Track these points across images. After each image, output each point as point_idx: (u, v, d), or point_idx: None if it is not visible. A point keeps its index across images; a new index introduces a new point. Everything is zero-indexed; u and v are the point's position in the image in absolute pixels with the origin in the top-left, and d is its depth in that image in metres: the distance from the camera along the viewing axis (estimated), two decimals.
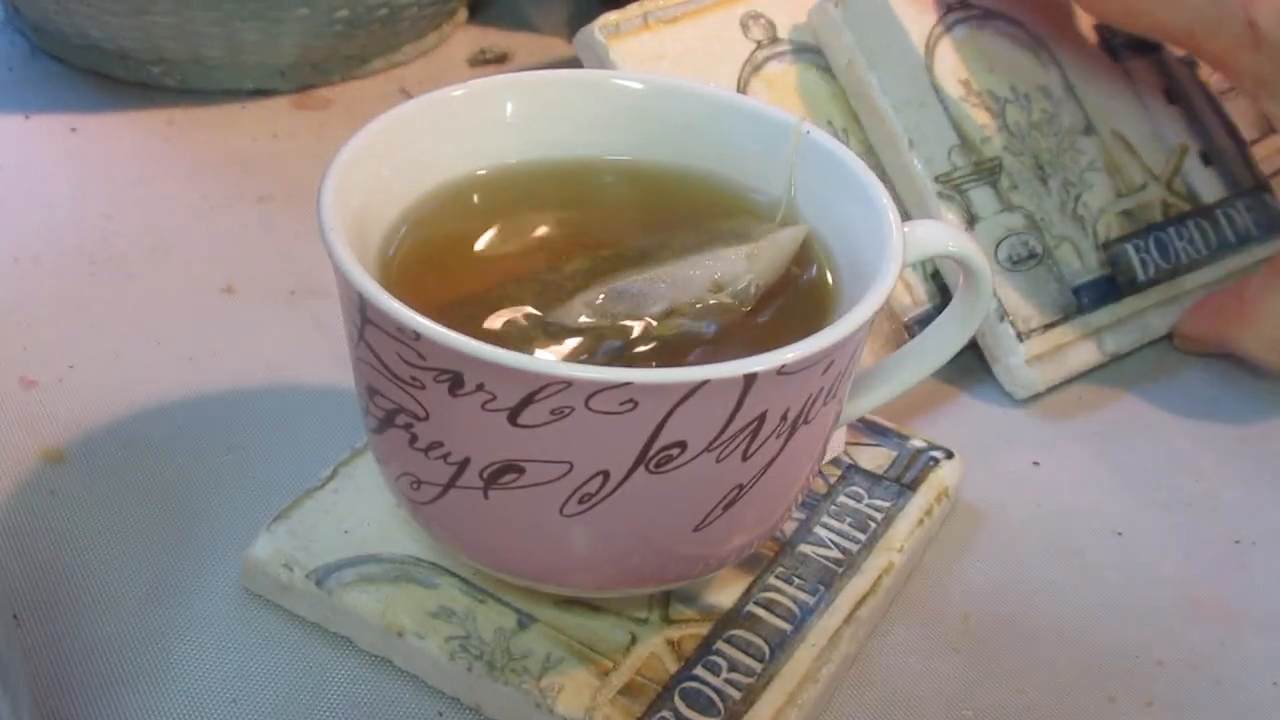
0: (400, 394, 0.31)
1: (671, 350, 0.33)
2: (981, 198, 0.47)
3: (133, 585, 0.38)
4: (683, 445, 0.30)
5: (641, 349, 0.33)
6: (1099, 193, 0.48)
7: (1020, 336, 0.46)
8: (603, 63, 0.47)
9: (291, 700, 0.35)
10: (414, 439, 0.32)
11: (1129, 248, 0.48)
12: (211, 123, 0.58)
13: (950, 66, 0.47)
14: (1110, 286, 0.48)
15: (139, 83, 0.60)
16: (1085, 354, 0.47)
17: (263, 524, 0.38)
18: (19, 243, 0.50)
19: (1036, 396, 0.47)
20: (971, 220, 0.46)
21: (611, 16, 0.47)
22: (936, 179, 0.46)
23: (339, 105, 0.60)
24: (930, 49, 0.47)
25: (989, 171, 0.47)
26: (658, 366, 0.32)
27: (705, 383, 0.29)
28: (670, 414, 0.29)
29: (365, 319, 0.31)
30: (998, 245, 0.46)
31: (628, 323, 0.33)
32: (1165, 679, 0.38)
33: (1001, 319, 0.46)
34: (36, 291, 0.48)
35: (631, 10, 0.48)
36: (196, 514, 0.40)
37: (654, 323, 0.33)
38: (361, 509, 0.38)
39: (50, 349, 0.46)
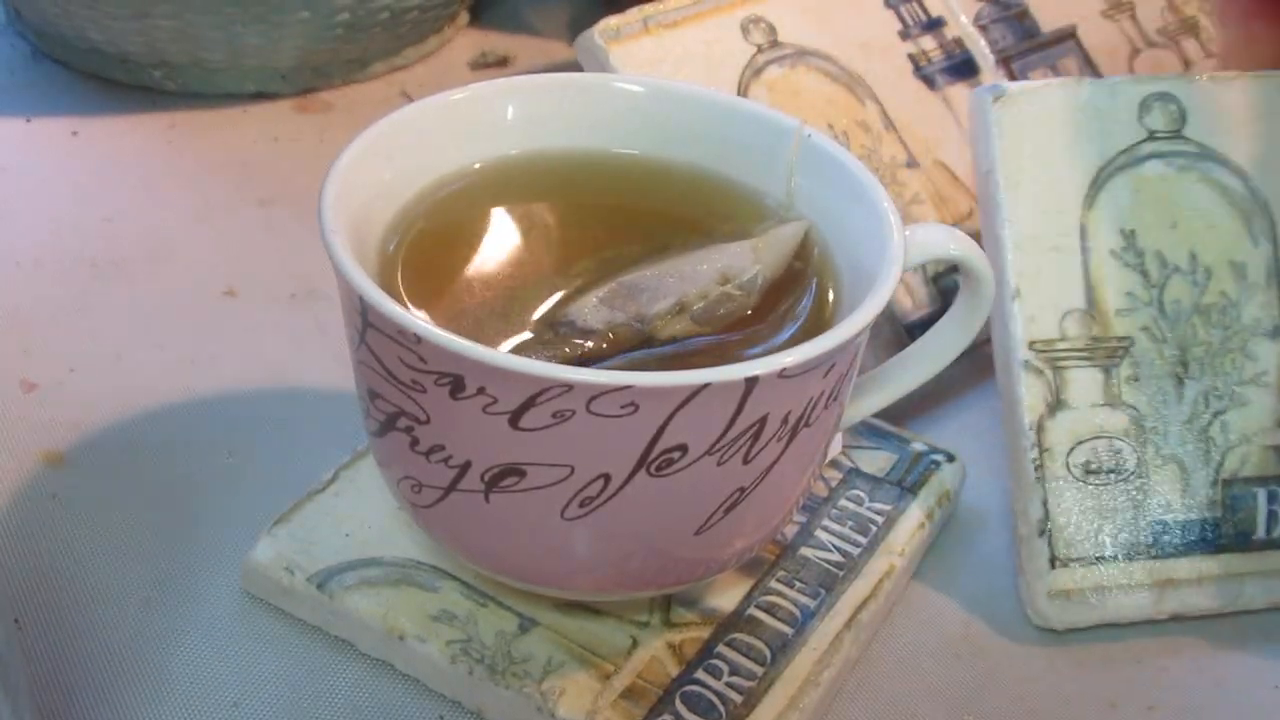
0: (401, 397, 0.31)
1: (675, 353, 0.33)
2: (1082, 383, 0.38)
3: (134, 588, 0.38)
4: (684, 448, 0.30)
5: (645, 352, 0.33)
6: (1252, 416, 0.38)
7: (1054, 562, 0.38)
8: (603, 67, 0.47)
9: (292, 704, 0.35)
10: (415, 442, 0.32)
11: (1260, 493, 0.38)
12: (213, 126, 0.58)
13: (1116, 210, 0.39)
14: (1211, 534, 0.38)
15: (140, 86, 0.60)
16: (1135, 605, 0.38)
17: (264, 527, 0.38)
18: (20, 246, 0.50)
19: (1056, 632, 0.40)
20: (1054, 406, 0.38)
21: (612, 21, 0.47)
22: (1032, 345, 0.38)
23: (340, 108, 0.60)
24: (1097, 184, 0.39)
25: (1108, 353, 0.38)
26: (659, 370, 0.32)
27: (706, 386, 0.29)
28: (671, 417, 0.29)
29: (366, 322, 0.31)
30: (1075, 446, 0.38)
31: (635, 324, 0.33)
32: (1167, 683, 0.38)
33: (1042, 532, 0.38)
34: (38, 295, 0.48)
35: (632, 14, 0.48)
36: (197, 517, 0.40)
37: (661, 323, 0.33)
38: (363, 512, 0.38)
39: (51, 352, 0.46)
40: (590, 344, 0.33)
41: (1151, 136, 0.39)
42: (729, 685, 0.35)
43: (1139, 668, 0.38)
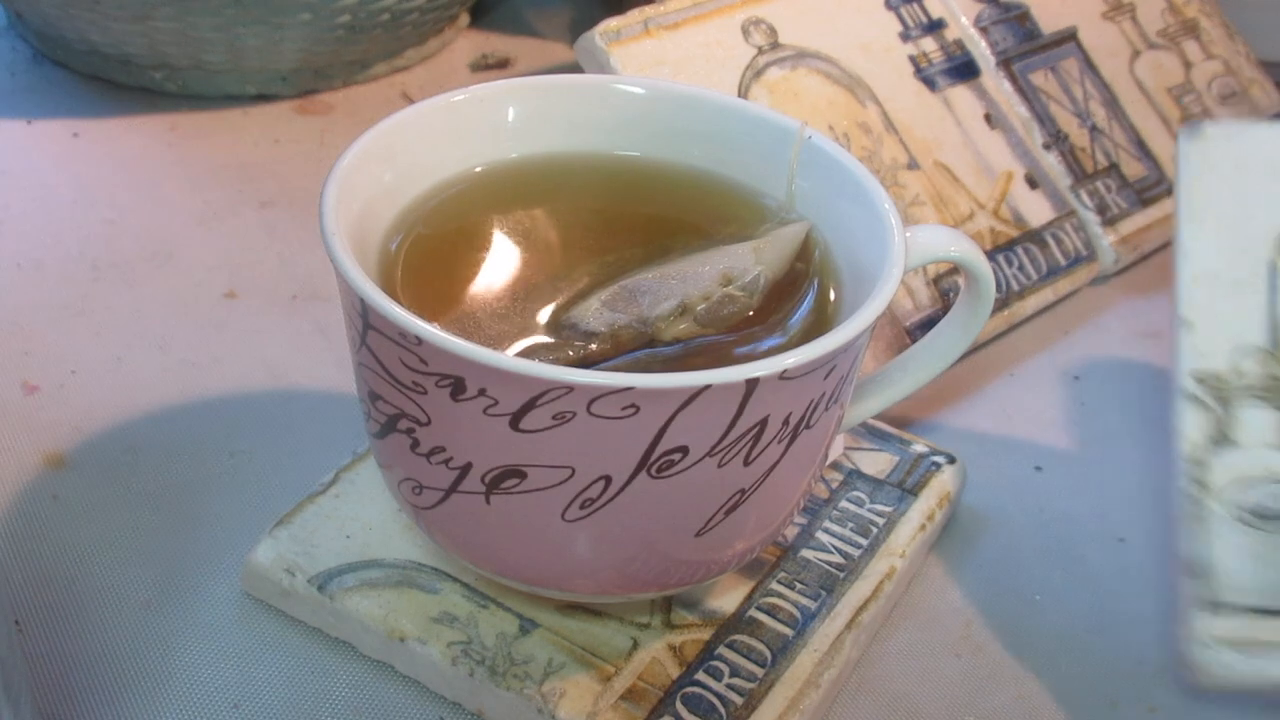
0: (402, 399, 0.31)
1: (678, 354, 0.33)
2: (1254, 422, 0.36)
3: (134, 590, 0.38)
4: (684, 450, 0.30)
5: (649, 352, 0.33)
6: None
7: (1217, 607, 0.34)
8: (604, 68, 0.47)
9: (293, 705, 0.35)
10: (416, 444, 0.32)
11: None
12: (213, 128, 0.58)
13: None
14: None
15: (141, 88, 0.60)
16: None
17: (264, 529, 0.38)
18: (21, 248, 0.50)
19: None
20: (1218, 438, 0.36)
21: (613, 22, 0.47)
22: (1197, 377, 0.36)
23: (341, 110, 0.60)
24: None
25: None
26: (662, 371, 0.32)
27: (707, 388, 0.29)
28: (672, 419, 0.29)
29: (367, 324, 0.31)
30: (1250, 487, 0.35)
31: (638, 326, 0.33)
32: (1167, 685, 0.38)
33: (1197, 574, 0.34)
34: (39, 297, 0.48)
35: (633, 16, 0.48)
36: (198, 519, 0.40)
37: (664, 325, 0.33)
38: (363, 514, 0.38)
39: (52, 354, 0.46)
40: (594, 346, 0.33)
41: None
42: (730, 687, 0.35)
43: (1139, 668, 0.38)
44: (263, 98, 0.60)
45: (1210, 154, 0.40)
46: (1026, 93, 0.53)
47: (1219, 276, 0.38)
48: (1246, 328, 0.37)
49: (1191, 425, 0.36)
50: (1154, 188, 0.55)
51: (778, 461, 0.32)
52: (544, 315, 0.34)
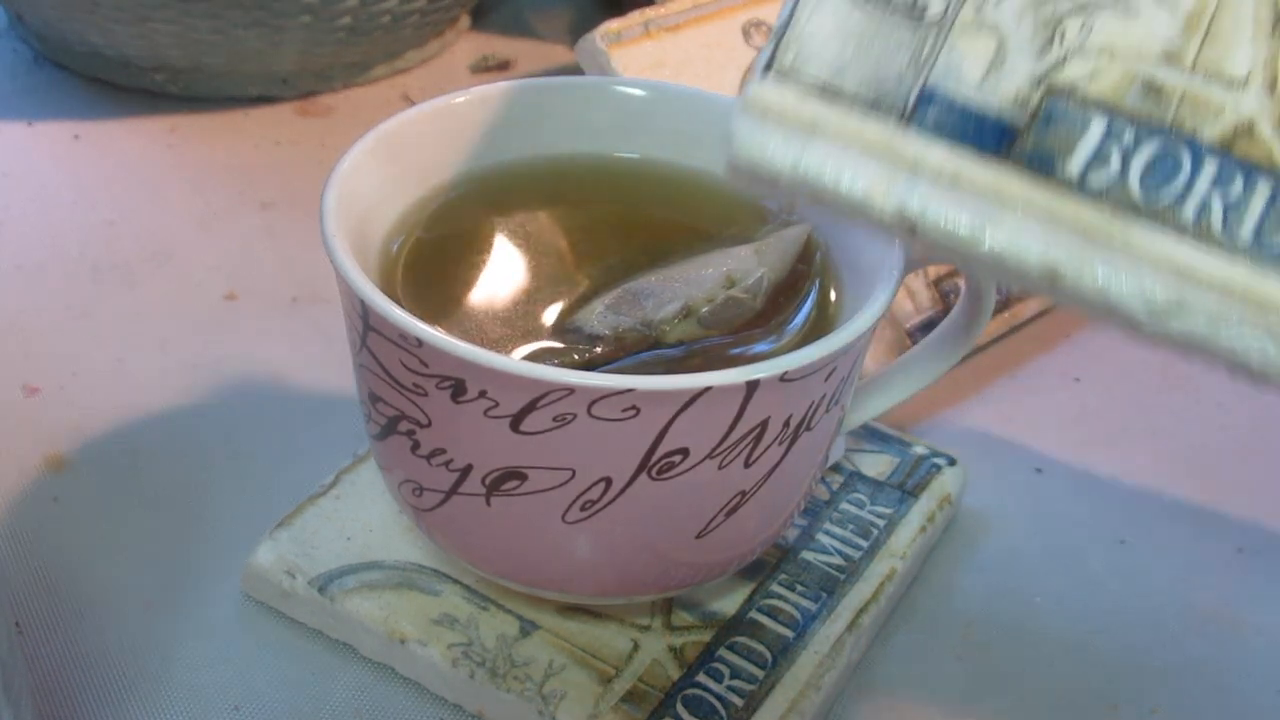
0: (402, 401, 0.31)
1: (681, 356, 0.33)
2: None
3: (135, 592, 0.38)
4: (685, 452, 0.30)
5: (653, 353, 0.33)
6: (1134, 31, 0.29)
7: (772, 68, 0.29)
8: (604, 70, 0.47)
9: (293, 707, 0.35)
10: (416, 446, 0.32)
11: (1098, 121, 0.28)
12: (214, 130, 0.58)
13: None
14: (997, 135, 0.28)
15: (142, 90, 0.60)
16: (856, 172, 0.28)
17: (265, 531, 0.38)
18: (22, 250, 0.50)
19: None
20: None
21: (613, 24, 0.47)
22: None
23: (341, 112, 0.60)
24: None
25: None
26: (666, 373, 0.32)
27: (707, 389, 0.29)
28: (672, 421, 0.29)
29: (368, 325, 0.31)
30: None
31: (642, 329, 0.33)
32: (1168, 687, 0.38)
33: (774, 35, 0.29)
34: (39, 299, 0.48)
35: (633, 18, 0.48)
36: (198, 521, 0.40)
37: (668, 327, 0.33)
38: (364, 516, 0.38)
39: (53, 356, 0.46)
40: (599, 349, 0.33)
41: None
42: (730, 689, 0.35)
43: (1140, 670, 0.38)
44: (263, 99, 0.60)
45: None
46: None
47: None
48: None
49: None
50: None
51: (778, 463, 0.32)
52: (547, 318, 0.34)
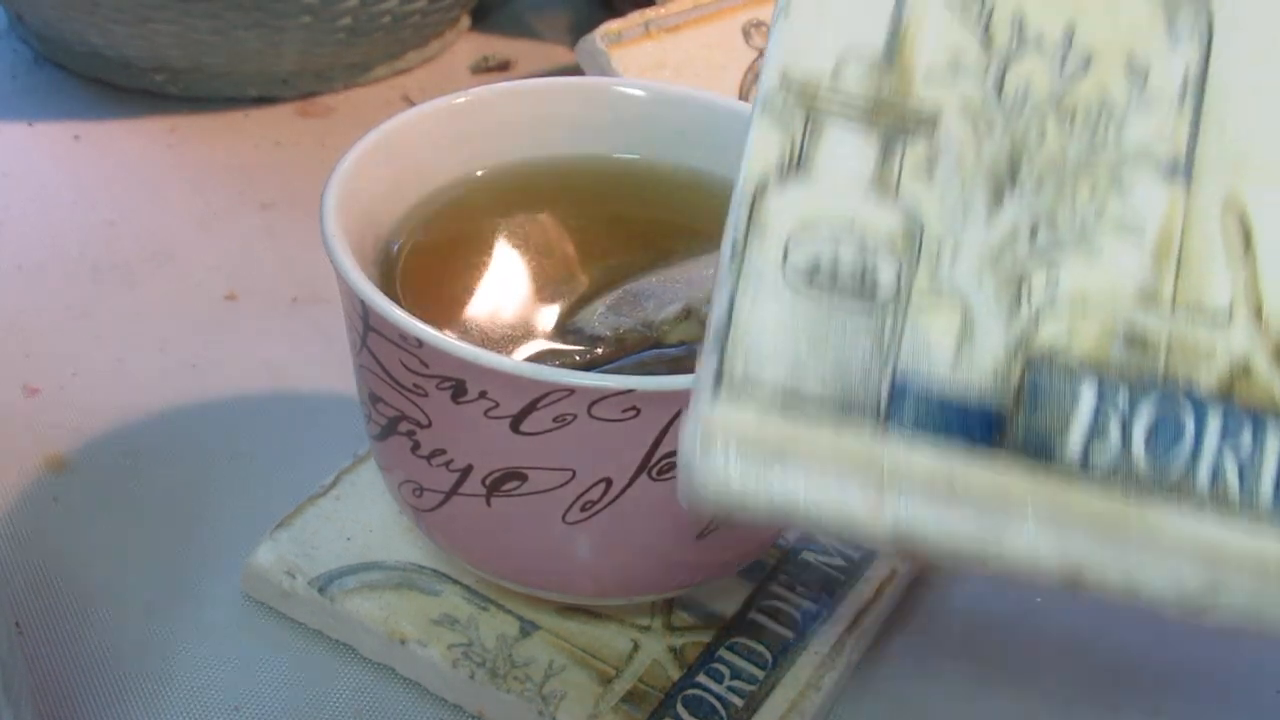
0: (403, 401, 0.31)
1: (683, 356, 0.33)
2: (843, 150, 0.26)
3: (135, 593, 0.38)
4: None
5: (654, 352, 0.33)
6: (1103, 275, 0.25)
7: (721, 383, 0.24)
8: (604, 71, 0.47)
9: (293, 708, 0.35)
10: (416, 446, 0.32)
11: (1087, 389, 0.25)
12: (214, 130, 0.58)
13: None
14: (985, 425, 0.24)
15: (142, 90, 0.60)
16: (832, 497, 0.24)
17: (265, 531, 0.38)
18: (22, 250, 0.50)
19: None
20: (788, 168, 0.26)
21: (613, 25, 0.47)
22: (784, 76, 0.26)
23: (342, 113, 0.60)
24: None
25: (897, 121, 0.26)
26: (668, 373, 0.32)
27: None
28: (673, 421, 0.29)
29: (368, 326, 0.31)
30: (801, 235, 0.25)
31: (643, 330, 0.33)
32: (1170, 689, 0.38)
33: (718, 342, 0.24)
34: (39, 299, 0.48)
35: (633, 19, 0.48)
36: (199, 521, 0.40)
37: (669, 328, 0.33)
38: (364, 516, 0.38)
39: (53, 356, 0.46)
40: (599, 350, 0.33)
41: None
42: (730, 689, 0.35)
43: (1141, 672, 0.38)
44: (263, 100, 0.60)
45: None
46: None
47: None
48: (861, 24, 0.27)
49: (762, 144, 0.26)
50: None
51: None
52: (547, 319, 0.34)
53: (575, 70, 0.48)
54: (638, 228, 0.37)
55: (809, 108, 0.26)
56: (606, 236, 0.37)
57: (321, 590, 0.36)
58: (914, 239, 0.25)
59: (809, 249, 0.25)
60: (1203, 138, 0.26)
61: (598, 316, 0.33)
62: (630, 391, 0.29)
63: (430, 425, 0.31)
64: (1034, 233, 0.26)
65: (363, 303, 0.30)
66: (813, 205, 0.25)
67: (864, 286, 0.25)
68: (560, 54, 0.65)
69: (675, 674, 0.35)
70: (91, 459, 0.42)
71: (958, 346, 0.25)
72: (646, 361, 0.33)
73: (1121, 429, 0.24)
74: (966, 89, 0.26)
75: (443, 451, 0.31)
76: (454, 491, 0.32)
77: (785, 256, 0.25)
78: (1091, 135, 0.26)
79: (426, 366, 0.30)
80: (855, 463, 0.24)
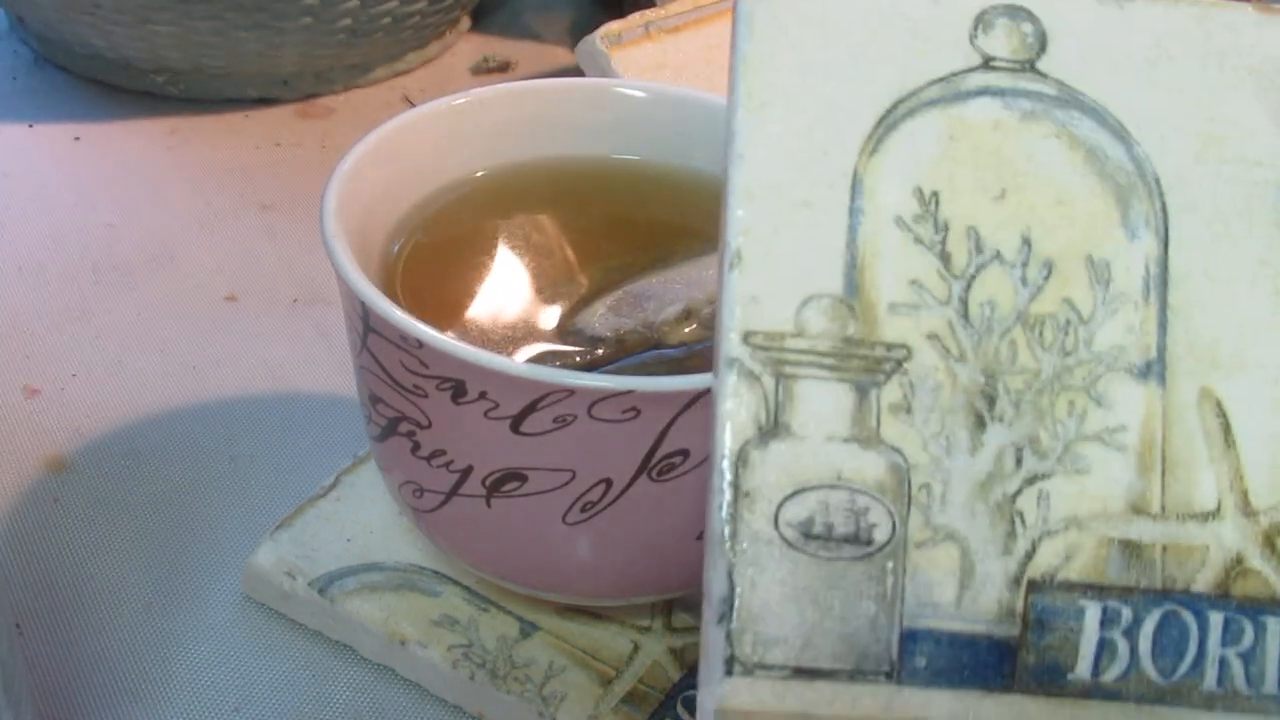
0: (403, 402, 0.31)
1: (683, 357, 0.33)
2: (818, 403, 0.25)
3: (135, 593, 0.38)
4: (685, 453, 0.30)
5: (655, 353, 0.33)
6: (1091, 491, 0.25)
7: (733, 665, 0.24)
8: (604, 72, 0.47)
9: (294, 709, 0.35)
10: (416, 447, 0.32)
11: (1091, 609, 0.25)
12: (214, 131, 0.58)
13: (913, 161, 0.26)
14: (998, 661, 0.24)
15: (142, 92, 0.60)
16: None
17: (265, 532, 0.38)
18: (22, 251, 0.50)
19: None
20: (769, 431, 0.25)
21: (613, 26, 0.47)
22: (749, 337, 0.25)
23: (342, 114, 0.60)
24: (890, 121, 0.27)
25: (869, 365, 0.25)
26: (668, 374, 0.32)
27: (708, 391, 0.29)
28: (673, 422, 0.29)
29: (368, 327, 0.31)
30: (793, 495, 0.25)
31: (644, 331, 0.33)
32: None
33: (720, 618, 0.24)
34: (40, 300, 0.48)
35: (633, 20, 0.48)
36: (199, 522, 0.40)
37: (669, 328, 0.33)
38: (364, 517, 0.38)
39: (53, 357, 0.46)
40: (600, 351, 0.33)
41: (987, 64, 0.27)
42: None
43: None
44: (263, 101, 0.60)
45: (783, 14, 0.27)
46: None
47: (784, 190, 0.26)
48: (816, 265, 0.26)
49: (735, 407, 0.25)
50: None
51: None
52: (548, 320, 0.34)
53: (575, 71, 0.48)
54: (638, 228, 0.37)
55: (777, 368, 0.25)
56: (607, 237, 0.37)
57: (321, 591, 0.36)
58: (902, 482, 0.25)
59: (800, 509, 0.25)
60: (1171, 332, 0.26)
61: (598, 317, 0.33)
62: (630, 392, 0.29)
63: (430, 426, 0.31)
64: (1019, 458, 0.25)
65: (363, 304, 0.30)
66: (797, 463, 0.25)
67: (859, 538, 0.25)
68: (560, 55, 0.65)
69: (675, 675, 0.35)
70: (91, 460, 0.42)
71: (960, 586, 0.25)
72: (647, 362, 0.33)
73: (1129, 645, 0.25)
74: (933, 317, 0.26)
75: (443, 452, 0.31)
76: (454, 492, 0.32)
77: (777, 520, 0.25)
78: (1062, 346, 0.26)
79: (426, 367, 0.30)
80: (874, 713, 0.24)
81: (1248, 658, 0.25)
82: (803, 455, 0.25)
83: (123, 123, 0.58)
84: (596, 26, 0.48)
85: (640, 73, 0.47)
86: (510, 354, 0.33)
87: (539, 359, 0.32)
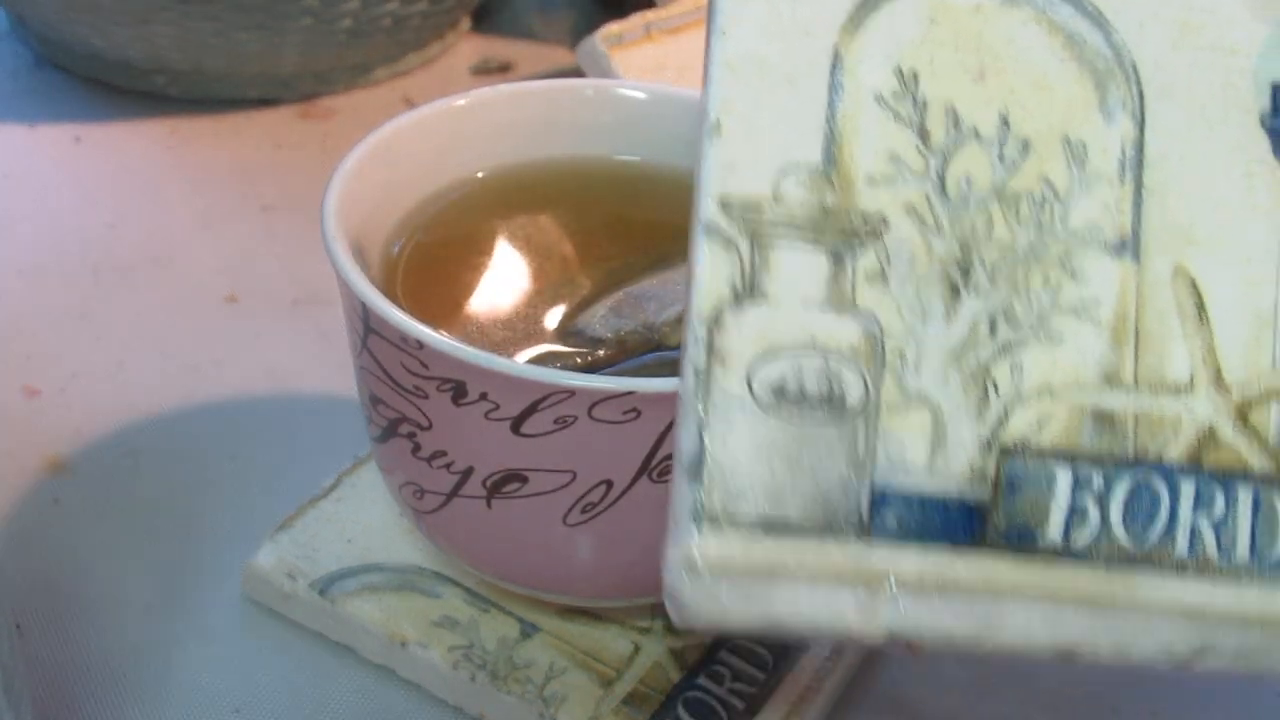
0: (403, 403, 0.31)
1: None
2: (794, 269, 0.25)
3: (135, 594, 0.38)
4: None
5: (656, 355, 0.33)
6: (1065, 360, 0.26)
7: (703, 518, 0.24)
8: (605, 73, 0.47)
9: (294, 710, 0.35)
10: (417, 448, 0.32)
11: (1062, 474, 0.25)
12: (215, 132, 0.58)
13: (894, 41, 0.27)
14: (968, 521, 0.25)
15: (143, 92, 0.60)
16: (826, 607, 0.24)
17: (266, 533, 0.38)
18: (22, 252, 0.50)
19: None
20: (743, 294, 0.25)
21: (614, 27, 0.47)
22: (723, 202, 0.26)
23: (342, 115, 0.60)
24: (868, 5, 0.27)
25: (844, 233, 0.26)
26: (667, 375, 0.32)
27: None
28: (673, 423, 0.29)
29: (369, 328, 0.31)
30: (767, 357, 0.25)
31: (644, 332, 0.33)
32: (1169, 690, 0.38)
33: (694, 474, 0.24)
34: (40, 301, 0.48)
35: (634, 21, 0.48)
36: (199, 523, 0.40)
37: (670, 329, 0.33)
38: (364, 518, 0.38)
39: (53, 358, 0.46)
40: (601, 353, 0.33)
41: None
42: (731, 691, 0.35)
43: (1142, 674, 0.38)
44: (264, 102, 0.60)
45: None
46: None
47: (766, 66, 0.27)
48: (795, 137, 0.26)
49: (710, 270, 0.25)
50: None
51: None
52: (548, 321, 0.34)
53: (576, 72, 0.48)
54: (639, 230, 0.37)
55: (753, 232, 0.25)
56: (607, 239, 0.37)
57: (322, 592, 0.36)
58: (876, 347, 0.25)
59: (773, 370, 0.25)
60: (1146, 211, 0.27)
61: (599, 319, 0.33)
62: (631, 394, 0.29)
63: (431, 427, 0.31)
64: (993, 327, 0.26)
65: (363, 304, 0.30)
66: (771, 326, 0.25)
67: (832, 401, 0.25)
68: (561, 56, 0.65)
69: (676, 676, 0.35)
70: (92, 461, 0.42)
71: (931, 449, 0.25)
72: (648, 364, 0.33)
73: (1100, 509, 0.25)
74: (910, 190, 0.26)
75: (443, 453, 0.31)
76: (455, 493, 0.32)
77: (750, 380, 0.25)
78: (1038, 222, 0.26)
79: (427, 368, 0.30)
80: (844, 575, 0.24)
81: (1219, 526, 0.25)
82: (777, 319, 0.25)
83: (123, 123, 0.58)
84: (597, 27, 0.48)
85: (641, 74, 0.47)
86: (511, 355, 0.32)
87: (540, 360, 0.32)
